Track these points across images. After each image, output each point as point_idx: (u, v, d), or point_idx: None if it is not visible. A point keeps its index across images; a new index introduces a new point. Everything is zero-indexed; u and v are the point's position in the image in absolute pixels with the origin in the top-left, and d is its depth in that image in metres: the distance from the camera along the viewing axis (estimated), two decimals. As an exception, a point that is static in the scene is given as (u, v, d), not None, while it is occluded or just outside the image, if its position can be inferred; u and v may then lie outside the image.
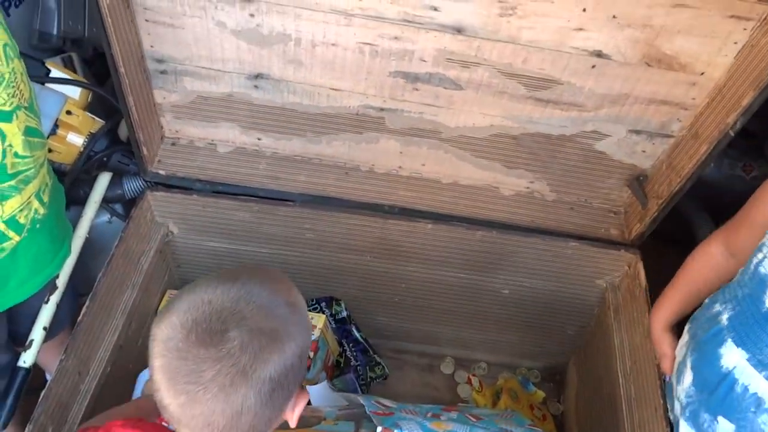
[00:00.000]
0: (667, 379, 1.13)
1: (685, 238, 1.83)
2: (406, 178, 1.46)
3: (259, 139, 1.44)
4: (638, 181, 1.38)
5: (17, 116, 0.94)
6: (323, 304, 1.59)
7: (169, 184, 1.42)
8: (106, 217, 1.53)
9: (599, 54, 1.18)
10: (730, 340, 0.92)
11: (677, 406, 1.05)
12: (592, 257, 1.43)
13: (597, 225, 1.45)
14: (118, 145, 1.42)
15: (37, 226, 1.06)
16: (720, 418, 0.94)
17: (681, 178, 1.25)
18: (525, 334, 1.65)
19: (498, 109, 1.31)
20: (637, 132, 1.31)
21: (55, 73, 1.34)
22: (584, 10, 1.12)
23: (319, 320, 1.49)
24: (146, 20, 1.23)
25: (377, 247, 1.48)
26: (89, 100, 1.40)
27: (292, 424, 0.78)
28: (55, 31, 1.50)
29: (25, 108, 0.96)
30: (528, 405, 1.58)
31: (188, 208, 1.44)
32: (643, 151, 1.35)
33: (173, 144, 1.45)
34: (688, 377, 1.00)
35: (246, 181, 1.43)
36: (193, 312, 0.69)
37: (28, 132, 0.97)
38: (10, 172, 0.95)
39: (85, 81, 1.38)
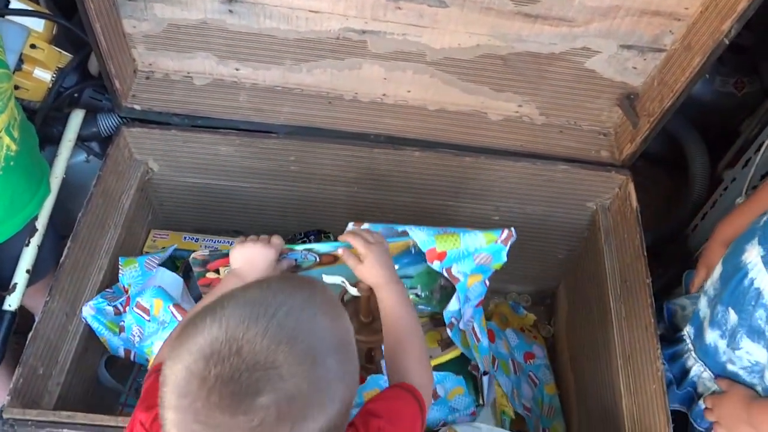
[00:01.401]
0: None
1: (676, 157, 1.82)
2: (391, 106, 1.42)
3: (237, 69, 1.38)
4: (629, 100, 1.35)
5: None
6: (312, 238, 1.57)
7: (145, 119, 1.37)
8: (82, 156, 1.47)
9: (589, -37, 1.13)
10: (756, 237, 0.97)
11: (703, 301, 1.09)
12: (583, 180, 1.41)
13: (587, 147, 1.42)
14: (89, 80, 1.35)
15: (11, 163, 1.02)
16: (730, 309, 1.01)
17: (673, 93, 1.22)
18: (515, 260, 1.60)
19: (485, 27, 1.25)
20: (629, 47, 1.27)
21: (14, 4, 1.27)
22: None
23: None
24: (109, -59, 1.15)
25: (365, 178, 1.44)
26: (54, 32, 1.32)
27: None
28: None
29: None
30: (519, 328, 1.59)
31: (167, 143, 1.40)
32: (635, 68, 1.31)
33: (147, 78, 1.39)
34: (717, 270, 1.06)
35: (226, 113, 1.38)
36: (218, 364, 0.55)
37: None
38: None
39: (48, 12, 1.31)
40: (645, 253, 1.25)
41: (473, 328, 1.19)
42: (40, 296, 1.38)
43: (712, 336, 1.06)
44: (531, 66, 1.33)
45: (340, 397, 0.59)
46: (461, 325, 1.17)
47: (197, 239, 1.52)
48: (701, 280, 1.16)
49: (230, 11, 1.26)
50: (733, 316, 1.00)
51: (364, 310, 1.06)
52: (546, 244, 1.58)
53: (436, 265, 1.08)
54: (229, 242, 1.50)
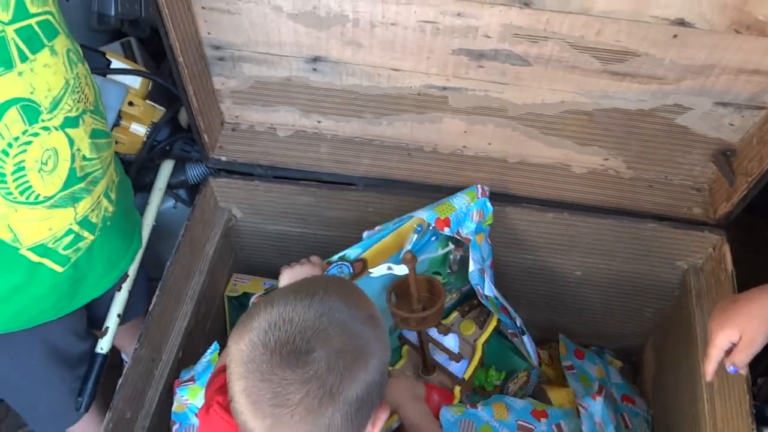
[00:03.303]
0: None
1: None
2: (471, 158, 1.41)
3: (318, 121, 1.41)
4: (725, 156, 1.28)
5: (83, 120, 0.95)
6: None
7: (231, 170, 1.42)
8: (171, 202, 1.55)
9: (681, 22, 1.08)
10: None
11: None
12: (673, 238, 1.34)
13: (678, 203, 1.35)
14: (179, 132, 1.42)
15: (108, 223, 1.08)
16: None
17: (774, 155, 1.14)
18: (599, 316, 1.58)
19: (569, 85, 1.22)
20: (724, 104, 1.20)
21: (115, 64, 1.35)
22: (666, -25, 1.02)
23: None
24: (202, 7, 1.21)
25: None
26: (150, 88, 1.40)
27: None
28: (112, 13, 1.51)
29: (91, 111, 0.97)
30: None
31: (250, 192, 1.44)
32: (731, 125, 1.24)
33: (233, 129, 1.44)
34: None
35: (307, 164, 1.41)
36: (275, 331, 0.67)
37: (95, 134, 0.98)
38: (79, 175, 0.97)
39: (146, 70, 1.38)
40: (741, 323, 1.17)
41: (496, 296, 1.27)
42: (126, 335, 1.45)
43: None
44: (618, 121, 1.28)
45: (378, 358, 0.71)
46: (486, 291, 1.24)
47: (276, 285, 1.56)
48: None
49: (314, 69, 1.29)
50: None
51: (414, 290, 1.14)
52: (632, 302, 1.51)
53: (446, 231, 1.23)
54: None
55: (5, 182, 0.86)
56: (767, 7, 1.03)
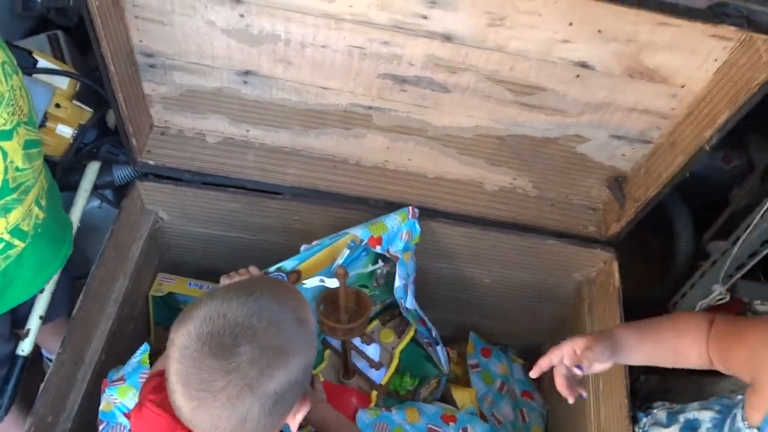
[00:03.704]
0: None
1: (662, 224, 1.89)
2: (392, 172, 1.49)
3: (247, 130, 1.45)
4: (617, 182, 1.43)
5: (17, 133, 0.96)
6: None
7: (158, 174, 1.44)
8: (96, 202, 1.55)
9: (584, 65, 1.21)
10: None
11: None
12: (570, 253, 1.49)
13: (576, 221, 1.50)
14: (107, 134, 1.43)
15: (39, 230, 1.09)
16: None
17: (658, 185, 1.30)
18: (504, 318, 1.72)
19: (484, 112, 1.33)
20: (618, 137, 1.35)
21: (42, 63, 1.34)
22: (571, 24, 1.13)
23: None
24: (135, 16, 1.23)
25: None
26: (77, 89, 1.40)
27: (293, 429, 0.84)
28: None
29: (25, 123, 0.98)
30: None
31: (178, 197, 1.47)
32: (623, 155, 1.38)
33: (162, 133, 1.46)
34: None
35: (235, 172, 1.45)
36: (209, 324, 0.74)
37: (27, 145, 0.99)
38: (11, 186, 0.98)
39: (74, 71, 1.38)
40: (623, 332, 1.32)
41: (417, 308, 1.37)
42: (50, 333, 1.46)
43: None
44: (526, 146, 1.40)
45: (301, 357, 0.78)
46: (408, 304, 1.35)
47: (201, 285, 1.60)
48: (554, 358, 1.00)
49: (245, 82, 1.34)
50: None
51: (342, 301, 1.23)
52: (533, 306, 1.66)
53: (378, 249, 1.33)
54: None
55: (-61, 196, 0.87)
56: (657, 57, 1.17)
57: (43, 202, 1.10)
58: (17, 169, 0.98)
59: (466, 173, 1.49)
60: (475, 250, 1.51)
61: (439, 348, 1.46)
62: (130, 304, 1.45)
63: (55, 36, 1.52)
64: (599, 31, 1.14)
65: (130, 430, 1.16)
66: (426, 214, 1.45)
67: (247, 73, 1.32)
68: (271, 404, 0.76)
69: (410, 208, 1.38)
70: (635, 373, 1.57)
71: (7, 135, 0.93)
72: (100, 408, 1.24)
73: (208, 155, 1.46)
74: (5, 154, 0.94)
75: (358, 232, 1.32)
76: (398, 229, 1.35)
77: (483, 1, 1.12)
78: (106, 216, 1.58)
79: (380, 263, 1.40)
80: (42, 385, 1.17)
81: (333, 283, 1.22)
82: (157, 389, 0.91)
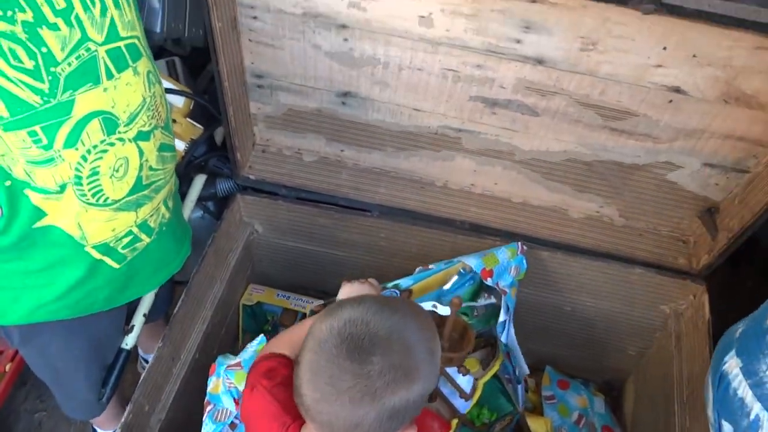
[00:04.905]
0: None
1: (759, 257, 1.81)
2: (478, 195, 1.53)
3: (342, 150, 1.53)
4: (709, 213, 1.40)
5: (154, 135, 1.06)
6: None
7: (257, 188, 1.54)
8: (199, 213, 1.66)
9: (677, 90, 1.22)
10: (734, 349, 1.00)
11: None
12: (658, 284, 1.46)
13: (665, 252, 1.47)
14: (214, 150, 1.54)
15: (164, 228, 1.18)
16: (723, 421, 1.01)
17: (753, 215, 1.27)
18: (585, 350, 1.69)
19: (572, 136, 1.36)
20: (712, 165, 1.34)
21: (164, 84, 1.47)
22: (665, 48, 1.16)
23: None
24: (249, 40, 1.34)
25: (447, 259, 1.55)
26: (191, 107, 1.53)
27: None
28: (158, 30, 1.61)
29: (162, 127, 1.08)
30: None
31: (273, 211, 1.56)
32: (716, 184, 1.37)
33: (263, 151, 1.56)
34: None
35: (328, 189, 1.53)
36: (351, 326, 0.79)
37: (162, 148, 1.09)
38: (145, 183, 1.08)
39: (191, 92, 1.51)
40: (714, 366, 1.28)
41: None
42: (145, 336, 1.55)
43: None
44: (614, 173, 1.41)
45: (423, 384, 0.81)
46: (503, 339, 1.35)
47: (288, 296, 1.67)
48: None
49: (343, 103, 1.42)
50: (728, 427, 1.00)
51: (447, 330, 1.22)
52: (617, 339, 1.63)
53: (489, 281, 1.34)
54: (311, 302, 1.64)
55: (81, 185, 0.97)
56: (754, 82, 1.17)
57: (170, 204, 1.20)
58: (151, 168, 1.08)
59: (552, 199, 1.50)
60: (557, 276, 1.51)
61: (519, 387, 1.44)
62: (223, 310, 1.53)
63: (173, 62, 1.66)
64: (694, 56, 1.15)
65: (237, 415, 1.21)
66: (509, 237, 1.48)
67: (346, 94, 1.40)
68: (386, 417, 0.78)
69: (519, 243, 1.41)
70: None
71: (145, 136, 1.04)
72: (208, 390, 1.27)
73: (303, 172, 1.54)
74: (142, 153, 1.04)
75: (472, 262, 1.34)
76: (508, 264, 1.38)
77: (577, 25, 1.16)
78: (206, 226, 1.68)
79: (485, 296, 1.41)
80: (142, 376, 1.25)
81: (445, 310, 1.23)
82: (270, 374, 0.96)
